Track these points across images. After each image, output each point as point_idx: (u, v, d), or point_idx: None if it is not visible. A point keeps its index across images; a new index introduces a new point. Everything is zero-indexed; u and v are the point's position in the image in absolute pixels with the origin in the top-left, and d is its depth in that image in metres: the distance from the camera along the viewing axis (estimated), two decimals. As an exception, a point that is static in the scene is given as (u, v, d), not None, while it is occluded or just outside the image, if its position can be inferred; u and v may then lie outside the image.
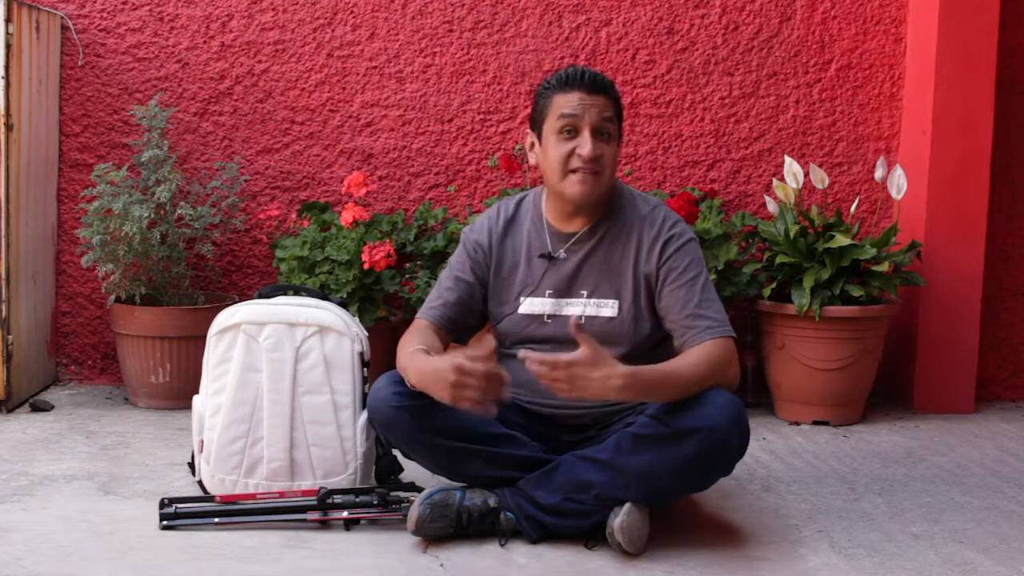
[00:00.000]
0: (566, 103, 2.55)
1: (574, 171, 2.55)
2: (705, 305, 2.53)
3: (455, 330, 2.71)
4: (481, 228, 2.74)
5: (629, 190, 2.71)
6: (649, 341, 2.63)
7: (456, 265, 2.73)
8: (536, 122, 2.63)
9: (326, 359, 2.76)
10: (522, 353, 2.34)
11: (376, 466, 2.86)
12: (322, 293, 2.95)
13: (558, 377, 2.32)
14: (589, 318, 2.61)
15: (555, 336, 2.62)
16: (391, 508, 2.61)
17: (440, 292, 2.71)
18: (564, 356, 2.31)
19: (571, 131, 2.55)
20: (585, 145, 2.53)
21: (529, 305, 2.66)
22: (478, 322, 2.76)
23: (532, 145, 2.66)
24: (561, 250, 2.65)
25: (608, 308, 2.62)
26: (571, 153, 2.54)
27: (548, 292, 2.65)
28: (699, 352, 2.46)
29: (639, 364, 2.52)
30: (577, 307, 2.63)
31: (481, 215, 2.80)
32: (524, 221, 2.72)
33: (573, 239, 2.65)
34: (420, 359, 2.46)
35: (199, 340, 3.05)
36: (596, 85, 2.55)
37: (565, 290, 2.64)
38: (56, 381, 4.05)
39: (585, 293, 2.64)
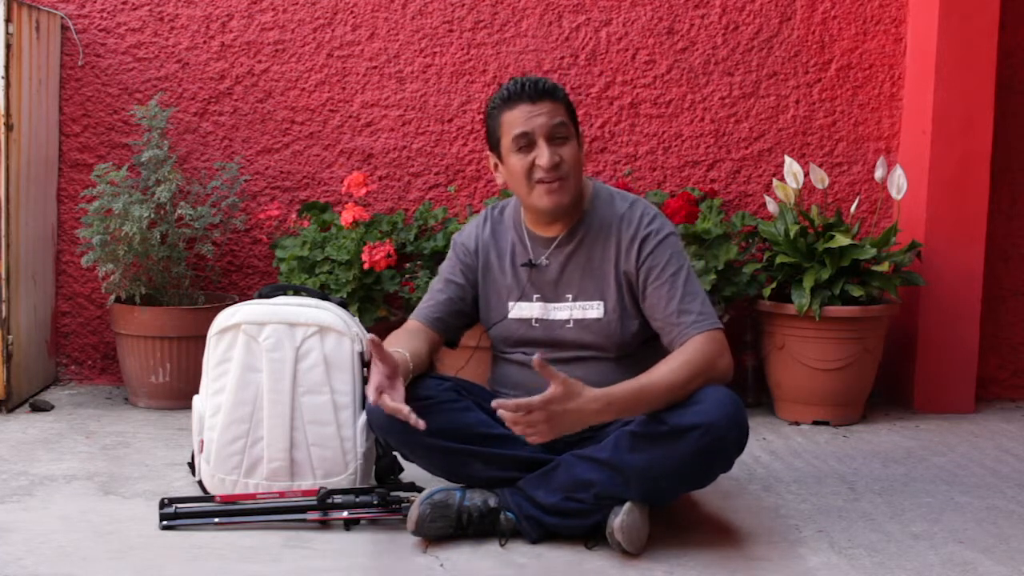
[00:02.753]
0: (515, 118, 2.57)
1: (540, 182, 2.57)
2: (688, 300, 2.54)
3: (446, 331, 2.75)
4: (469, 234, 2.79)
5: (606, 189, 2.72)
6: (637, 339, 2.64)
7: (447, 269, 2.78)
8: (492, 143, 2.65)
9: (326, 359, 2.76)
10: (495, 403, 2.35)
11: (376, 466, 2.86)
12: (322, 293, 2.95)
13: (535, 420, 2.34)
14: (577, 320, 2.64)
15: (545, 339, 2.65)
16: (391, 508, 2.61)
17: (432, 295, 2.77)
18: (536, 397, 2.33)
19: (527, 144, 2.56)
20: (543, 155, 2.55)
21: (519, 310, 2.69)
22: (468, 323, 2.81)
23: (496, 166, 2.68)
24: (543, 256, 2.68)
25: (594, 309, 2.64)
26: (532, 165, 2.57)
27: (536, 297, 2.68)
28: (679, 355, 2.47)
29: (629, 362, 2.55)
30: (564, 311, 2.66)
31: (470, 220, 2.84)
32: (508, 228, 2.75)
33: (554, 244, 2.67)
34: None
35: (199, 340, 3.04)
36: (538, 92, 2.57)
37: (552, 295, 2.67)
38: (56, 381, 4.05)
39: (571, 297, 2.66)
